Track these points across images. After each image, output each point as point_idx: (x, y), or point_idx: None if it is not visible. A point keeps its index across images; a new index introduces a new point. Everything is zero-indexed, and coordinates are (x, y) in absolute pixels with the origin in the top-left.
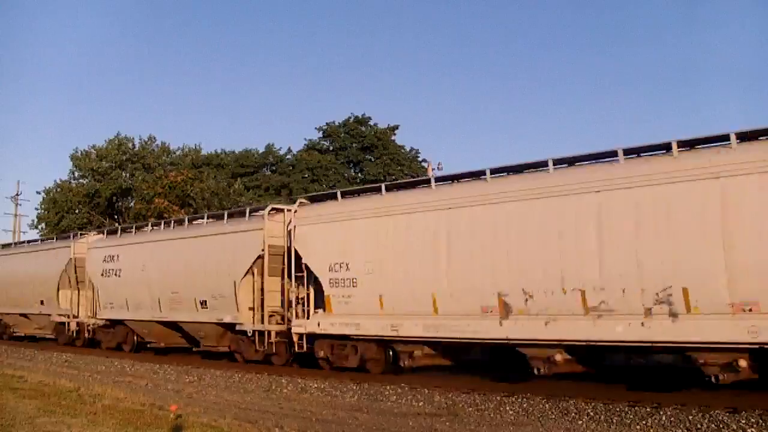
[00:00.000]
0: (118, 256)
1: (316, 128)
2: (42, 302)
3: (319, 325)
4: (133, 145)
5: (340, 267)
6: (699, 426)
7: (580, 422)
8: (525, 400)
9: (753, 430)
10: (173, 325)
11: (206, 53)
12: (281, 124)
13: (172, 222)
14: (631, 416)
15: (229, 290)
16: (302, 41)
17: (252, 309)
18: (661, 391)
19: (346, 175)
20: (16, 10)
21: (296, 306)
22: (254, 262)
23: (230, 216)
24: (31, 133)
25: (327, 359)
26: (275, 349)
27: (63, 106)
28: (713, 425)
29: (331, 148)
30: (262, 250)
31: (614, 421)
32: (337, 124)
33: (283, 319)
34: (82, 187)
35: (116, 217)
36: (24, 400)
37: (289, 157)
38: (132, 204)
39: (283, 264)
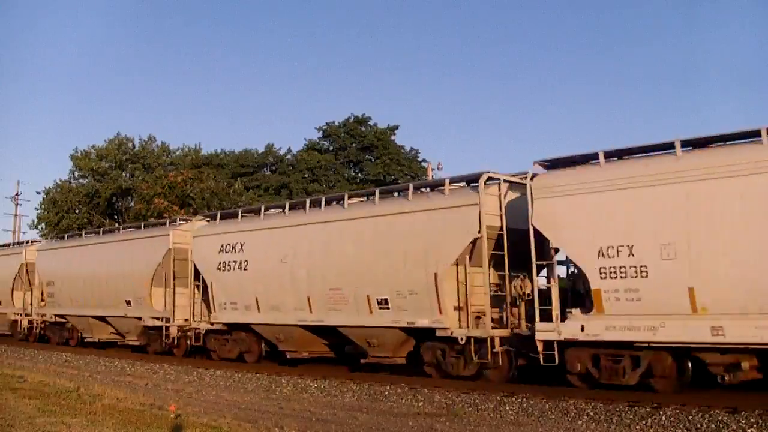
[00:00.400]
0: (242, 244)
1: (316, 128)
2: (128, 303)
3: (582, 329)
4: (133, 145)
5: (618, 251)
6: (699, 426)
7: (580, 422)
8: (525, 400)
9: (753, 430)
10: (325, 331)
11: (206, 53)
12: (281, 124)
13: (323, 200)
14: (631, 416)
15: (426, 285)
16: (302, 41)
17: (458, 309)
18: None
19: (346, 175)
20: (16, 10)
21: (521, 305)
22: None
23: (416, 189)
24: (31, 133)
25: (586, 375)
26: (500, 361)
27: (63, 106)
28: (713, 425)
29: (331, 148)
30: (479, 231)
31: (614, 421)
32: (337, 124)
33: (498, 321)
34: (82, 187)
35: (116, 217)
36: (24, 400)
37: (289, 157)
38: (132, 204)
39: (497, 249)
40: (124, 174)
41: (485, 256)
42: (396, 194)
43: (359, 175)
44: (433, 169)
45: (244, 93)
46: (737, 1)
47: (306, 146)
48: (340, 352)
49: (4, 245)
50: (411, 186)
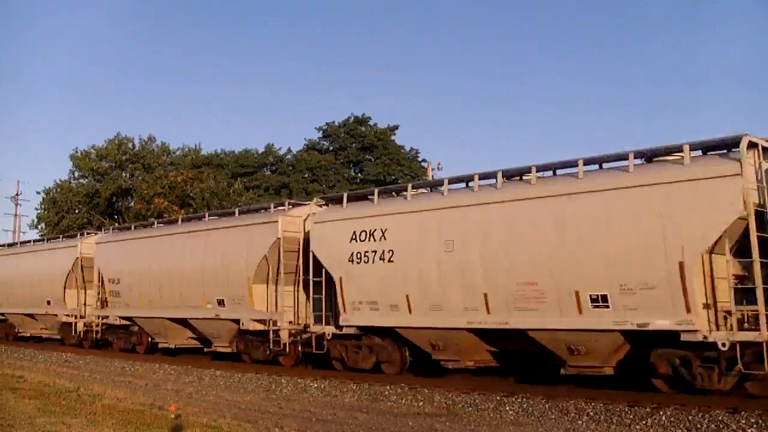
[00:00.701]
0: (384, 230)
1: (316, 128)
2: (221, 302)
3: None
4: (133, 145)
5: None
6: (699, 426)
7: (580, 422)
8: (525, 400)
9: (753, 430)
10: (498, 336)
11: (206, 53)
12: (281, 124)
13: (499, 175)
14: (631, 416)
15: (667, 277)
16: (302, 41)
17: (706, 307)
18: None
19: (346, 175)
20: (16, 10)
21: None
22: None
23: (638, 157)
24: (31, 133)
25: None
26: None
27: (63, 106)
28: (713, 425)
29: (331, 148)
30: (744, 209)
31: (614, 421)
32: (337, 124)
33: (739, 322)
34: (82, 187)
35: (116, 217)
36: (24, 400)
37: (289, 157)
38: (132, 204)
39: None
40: (124, 174)
41: (754, 239)
42: (598, 166)
43: (359, 175)
44: (433, 169)
45: (244, 93)
46: (737, 1)
47: (306, 146)
48: (503, 360)
49: (53, 238)
50: (632, 155)
